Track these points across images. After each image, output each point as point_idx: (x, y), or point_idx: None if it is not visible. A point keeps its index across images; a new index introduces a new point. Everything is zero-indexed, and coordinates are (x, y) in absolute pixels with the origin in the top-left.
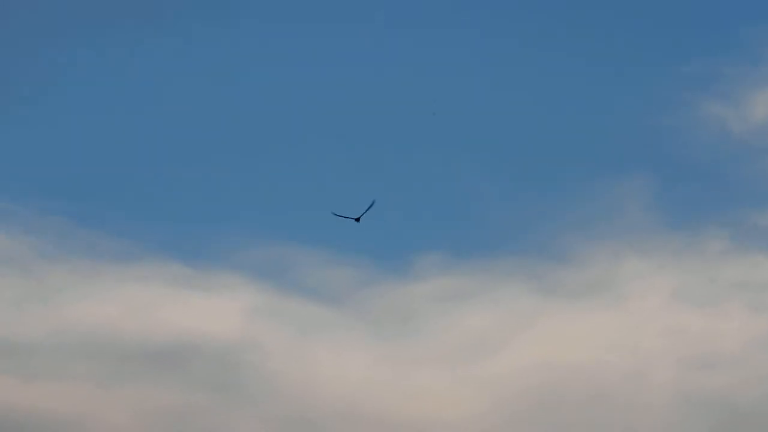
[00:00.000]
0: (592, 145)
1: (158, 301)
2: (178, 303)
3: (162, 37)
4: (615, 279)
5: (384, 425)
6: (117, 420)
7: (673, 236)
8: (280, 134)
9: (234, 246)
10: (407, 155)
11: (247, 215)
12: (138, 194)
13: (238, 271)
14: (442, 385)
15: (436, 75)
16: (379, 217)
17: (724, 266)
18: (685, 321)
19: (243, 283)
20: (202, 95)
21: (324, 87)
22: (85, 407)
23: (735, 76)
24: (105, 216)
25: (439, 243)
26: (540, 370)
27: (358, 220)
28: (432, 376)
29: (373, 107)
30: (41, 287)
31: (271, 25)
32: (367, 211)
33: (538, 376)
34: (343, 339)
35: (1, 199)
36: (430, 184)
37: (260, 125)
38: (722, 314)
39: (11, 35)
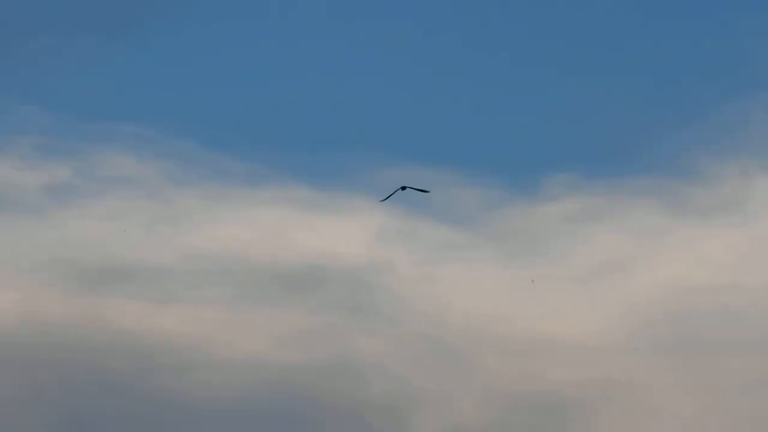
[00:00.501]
0: (722, 62)
1: (288, 224)
2: (307, 226)
3: None
4: (745, 197)
5: (515, 345)
6: (249, 343)
7: None
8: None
9: (363, 168)
10: (535, 76)
11: (377, 138)
12: (267, 117)
13: (367, 193)
14: (571, 304)
15: None
16: (509, 138)
17: None
18: None
19: (372, 206)
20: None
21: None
22: (216, 331)
23: None
24: (233, 139)
25: (569, 164)
26: (670, 288)
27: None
28: (562, 296)
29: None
30: (171, 211)
31: None
32: (414, 190)
33: (669, 295)
34: (473, 260)
35: (130, 123)
36: (560, 105)
37: (398, 51)
38: None
39: None
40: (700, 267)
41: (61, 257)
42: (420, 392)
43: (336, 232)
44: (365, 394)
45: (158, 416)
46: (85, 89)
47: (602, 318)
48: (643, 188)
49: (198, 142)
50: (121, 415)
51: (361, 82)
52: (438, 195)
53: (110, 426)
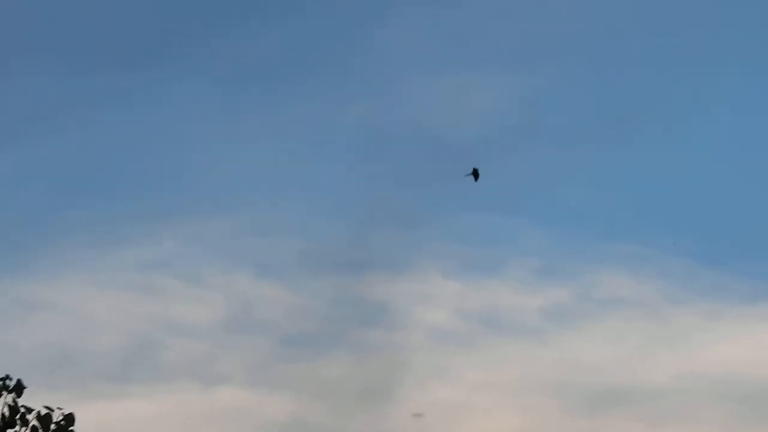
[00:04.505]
0: None
1: None
2: None
3: None
4: None
5: None
6: None
7: None
8: None
9: None
10: None
11: None
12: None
13: None
14: None
15: None
16: None
17: None
18: None
19: None
20: None
21: None
22: None
23: None
24: (729, 255)
25: None
26: None
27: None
28: None
29: None
30: (669, 331)
31: None
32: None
33: None
34: None
35: (626, 241)
36: None
37: None
38: None
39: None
40: None
41: (560, 380)
42: None
43: None
44: None
45: None
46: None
47: None
48: None
49: (694, 258)
50: None
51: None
52: None
53: None
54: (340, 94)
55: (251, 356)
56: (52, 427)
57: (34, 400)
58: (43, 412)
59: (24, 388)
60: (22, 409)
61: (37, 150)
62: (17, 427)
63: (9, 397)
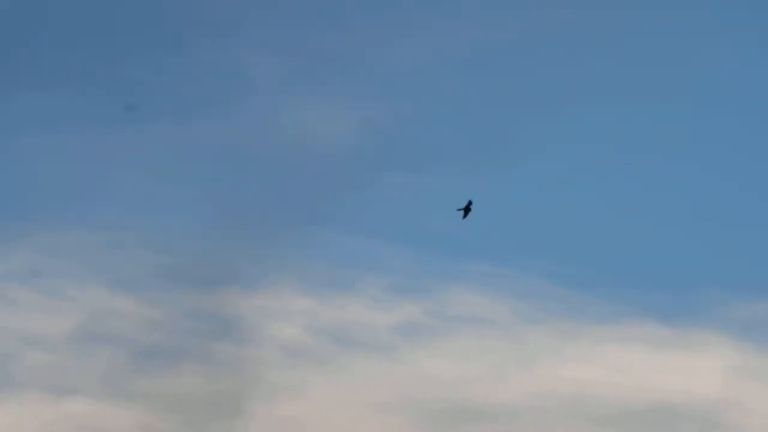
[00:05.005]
0: None
1: (637, 362)
2: (656, 363)
3: None
4: None
5: None
6: None
7: None
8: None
9: (712, 303)
10: None
11: (724, 271)
12: (615, 258)
13: (716, 328)
14: None
15: None
16: None
17: None
18: None
19: (722, 341)
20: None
21: None
22: None
23: None
24: (583, 277)
25: None
26: None
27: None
28: None
29: None
30: (522, 350)
31: None
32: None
33: None
34: None
35: (482, 263)
36: None
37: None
38: None
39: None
40: None
41: (411, 396)
42: None
43: (685, 369)
44: None
45: None
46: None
47: None
48: None
49: (548, 278)
50: None
51: (716, 217)
52: None
53: None
54: (198, 112)
55: (103, 368)
56: None
57: None
58: None
59: None
60: None
61: None
62: None
63: None
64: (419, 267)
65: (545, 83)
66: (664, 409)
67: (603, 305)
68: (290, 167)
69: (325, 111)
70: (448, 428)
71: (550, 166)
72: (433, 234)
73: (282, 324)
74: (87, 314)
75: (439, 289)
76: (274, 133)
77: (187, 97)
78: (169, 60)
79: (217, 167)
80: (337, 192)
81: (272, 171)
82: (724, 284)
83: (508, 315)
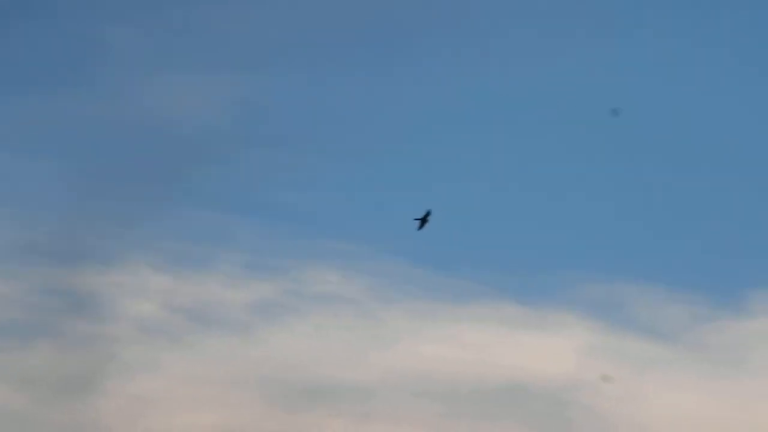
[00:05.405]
0: None
1: (493, 341)
2: (511, 342)
3: None
4: None
5: None
6: None
7: None
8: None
9: (567, 284)
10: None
11: (579, 253)
12: (472, 238)
13: (571, 309)
14: None
15: None
16: (712, 251)
17: None
18: None
19: (577, 322)
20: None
21: None
22: None
23: None
24: (441, 256)
25: None
26: None
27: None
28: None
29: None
30: (379, 329)
31: None
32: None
33: None
34: (677, 377)
35: (337, 239)
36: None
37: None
38: None
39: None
40: None
41: (266, 375)
42: None
43: (540, 348)
44: None
45: None
46: (296, 205)
47: None
48: None
49: (405, 258)
50: None
51: (571, 200)
52: (642, 310)
53: None
54: (59, 86)
55: None
56: None
57: None
58: None
59: None
60: None
61: None
62: None
63: None
64: (276, 244)
65: (410, 65)
66: (515, 388)
67: (460, 286)
68: (149, 142)
69: (187, 86)
70: (303, 406)
71: (411, 147)
72: (290, 211)
73: (137, 300)
74: None
75: (296, 268)
76: (134, 108)
77: (47, 71)
78: (31, 32)
79: (76, 141)
80: (195, 167)
81: (132, 146)
82: (579, 266)
83: (365, 294)
